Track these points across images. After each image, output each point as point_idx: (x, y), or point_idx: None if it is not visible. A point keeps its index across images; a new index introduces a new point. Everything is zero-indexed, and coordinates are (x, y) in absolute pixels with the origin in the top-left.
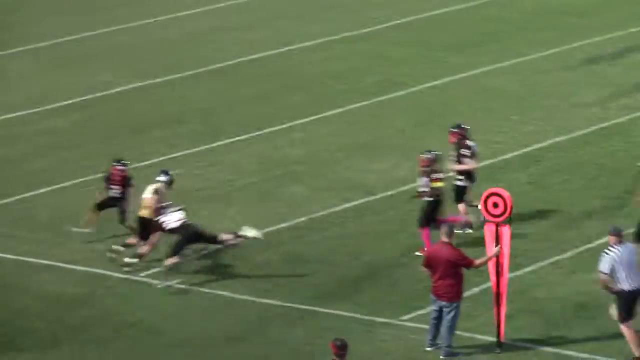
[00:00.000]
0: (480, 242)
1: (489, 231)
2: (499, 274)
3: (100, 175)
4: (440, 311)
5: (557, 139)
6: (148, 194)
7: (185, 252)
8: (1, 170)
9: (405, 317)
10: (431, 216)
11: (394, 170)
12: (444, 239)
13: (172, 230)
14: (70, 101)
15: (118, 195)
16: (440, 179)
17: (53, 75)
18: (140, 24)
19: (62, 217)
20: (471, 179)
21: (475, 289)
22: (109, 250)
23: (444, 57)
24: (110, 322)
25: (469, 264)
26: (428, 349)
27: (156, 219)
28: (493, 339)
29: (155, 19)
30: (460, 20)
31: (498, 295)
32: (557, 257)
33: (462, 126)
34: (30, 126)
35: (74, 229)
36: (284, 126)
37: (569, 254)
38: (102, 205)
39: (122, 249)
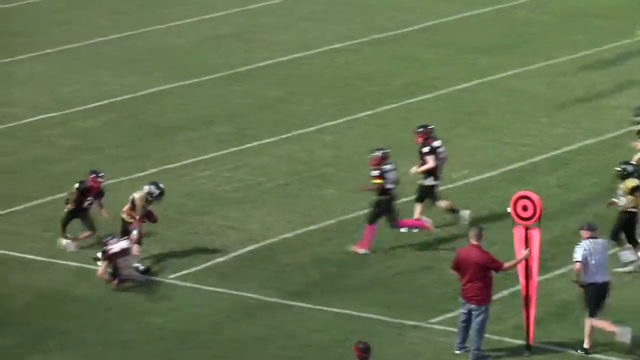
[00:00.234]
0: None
1: (518, 234)
2: (528, 277)
3: (77, 182)
4: (469, 314)
5: (586, 142)
6: (137, 196)
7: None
8: (28, 172)
9: (434, 320)
10: (379, 214)
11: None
12: (473, 241)
13: (113, 256)
14: (98, 103)
15: (88, 207)
16: (380, 177)
17: (80, 77)
18: (170, 25)
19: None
20: (435, 178)
21: (505, 292)
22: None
23: (473, 59)
24: (138, 324)
25: (498, 267)
26: (457, 352)
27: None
28: (522, 342)
29: (184, 21)
30: (489, 22)
31: (527, 298)
32: None
33: (428, 127)
34: (56, 129)
35: (64, 242)
36: (314, 128)
37: None
38: (69, 220)
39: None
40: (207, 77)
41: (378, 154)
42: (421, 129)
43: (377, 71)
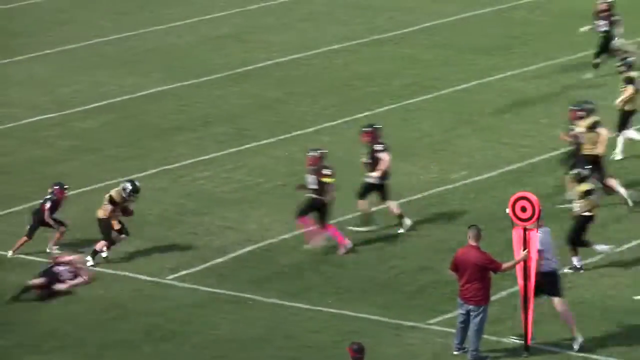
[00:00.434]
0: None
1: (517, 235)
2: (526, 277)
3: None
4: (467, 315)
5: None
6: (113, 192)
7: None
8: (26, 172)
9: (433, 321)
10: (309, 211)
11: (423, 173)
12: (471, 242)
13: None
14: (97, 104)
15: (56, 218)
16: (329, 175)
17: (80, 77)
18: (169, 26)
19: (88, 221)
20: (385, 176)
21: (503, 293)
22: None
23: (472, 60)
24: (137, 324)
25: (496, 268)
26: (455, 352)
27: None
28: (520, 342)
29: (183, 22)
30: (489, 23)
31: (525, 299)
32: (584, 261)
33: (375, 126)
34: (54, 129)
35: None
36: (312, 129)
37: (596, 258)
38: (35, 229)
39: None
40: (206, 78)
41: (315, 153)
42: (368, 129)
43: (376, 72)
